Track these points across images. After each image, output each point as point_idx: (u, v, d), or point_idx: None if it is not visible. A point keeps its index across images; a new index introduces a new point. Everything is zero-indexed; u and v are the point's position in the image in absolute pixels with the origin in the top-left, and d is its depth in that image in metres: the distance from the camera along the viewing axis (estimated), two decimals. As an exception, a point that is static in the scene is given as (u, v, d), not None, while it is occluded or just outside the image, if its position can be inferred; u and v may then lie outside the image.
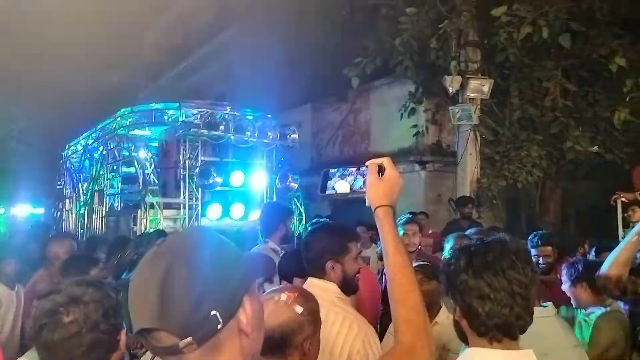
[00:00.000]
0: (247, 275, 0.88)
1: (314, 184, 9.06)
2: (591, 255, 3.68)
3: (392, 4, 6.93)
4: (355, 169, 1.57)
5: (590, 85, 6.74)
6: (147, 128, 5.98)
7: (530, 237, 3.43)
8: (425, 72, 7.62)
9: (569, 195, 7.45)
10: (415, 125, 8.14)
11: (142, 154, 5.47)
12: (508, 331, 1.28)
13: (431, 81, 7.58)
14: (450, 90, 6.75)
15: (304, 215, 5.78)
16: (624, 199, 4.91)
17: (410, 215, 3.77)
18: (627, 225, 4.62)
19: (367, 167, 1.33)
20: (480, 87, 6.66)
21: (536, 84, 6.69)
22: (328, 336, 1.65)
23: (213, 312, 0.78)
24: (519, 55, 6.52)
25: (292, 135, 6.10)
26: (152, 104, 6.12)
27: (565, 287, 2.82)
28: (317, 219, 6.02)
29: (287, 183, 5.82)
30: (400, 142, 8.51)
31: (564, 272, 2.88)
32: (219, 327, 0.79)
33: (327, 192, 1.65)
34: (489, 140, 6.81)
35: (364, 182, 1.32)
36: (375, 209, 1.28)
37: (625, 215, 4.75)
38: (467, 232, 3.50)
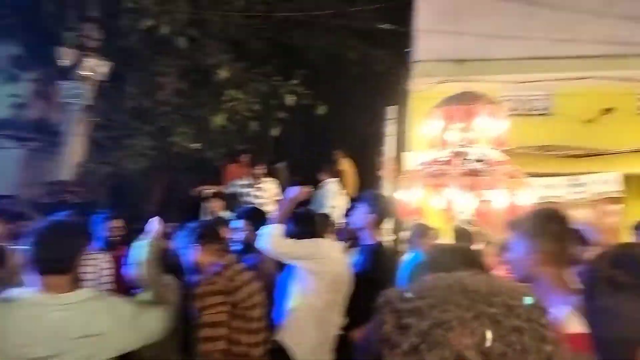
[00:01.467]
0: None
1: None
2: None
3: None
4: None
5: (199, 88, 7.52)
6: None
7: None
8: (36, 37, 6.69)
9: (172, 184, 8.05)
10: (16, 95, 7.01)
11: None
12: None
13: (41, 49, 6.71)
14: (63, 63, 6.20)
15: None
16: (208, 191, 5.73)
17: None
18: (210, 213, 5.40)
19: None
20: (96, 67, 6.38)
21: (153, 78, 6.94)
22: None
23: None
24: (140, 45, 6.60)
25: None
26: None
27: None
28: None
29: None
30: (-6, 111, 7.15)
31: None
32: None
33: None
34: (100, 124, 6.60)
35: None
36: None
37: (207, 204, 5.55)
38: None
